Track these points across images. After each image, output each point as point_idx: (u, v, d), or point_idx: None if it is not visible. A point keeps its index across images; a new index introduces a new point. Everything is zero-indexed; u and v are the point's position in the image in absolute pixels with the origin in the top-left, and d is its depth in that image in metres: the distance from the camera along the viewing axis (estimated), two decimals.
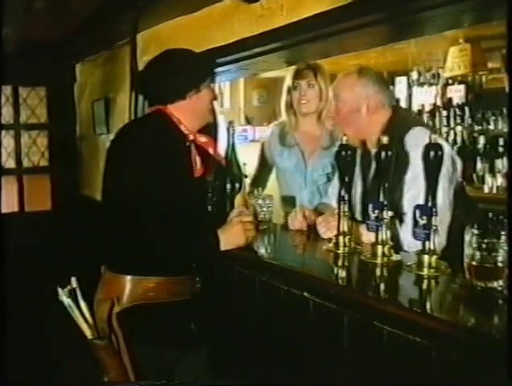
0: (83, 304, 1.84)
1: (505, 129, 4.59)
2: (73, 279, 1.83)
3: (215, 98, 2.05)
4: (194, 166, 1.95)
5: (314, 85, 2.73)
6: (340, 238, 1.86)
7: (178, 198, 1.86)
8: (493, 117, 4.70)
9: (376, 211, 1.73)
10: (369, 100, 2.04)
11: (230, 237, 1.90)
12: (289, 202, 2.84)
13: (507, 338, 1.07)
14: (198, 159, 1.96)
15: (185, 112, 1.96)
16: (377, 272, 1.69)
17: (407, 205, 1.86)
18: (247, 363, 1.92)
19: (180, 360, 1.92)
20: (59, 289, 1.81)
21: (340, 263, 1.84)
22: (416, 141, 1.84)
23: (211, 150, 2.02)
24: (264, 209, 2.28)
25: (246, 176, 2.39)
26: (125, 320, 1.84)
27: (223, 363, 2.04)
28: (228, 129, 2.30)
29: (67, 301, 1.82)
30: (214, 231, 1.90)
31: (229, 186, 2.22)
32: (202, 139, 2.00)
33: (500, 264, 1.36)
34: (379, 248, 1.72)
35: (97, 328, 1.85)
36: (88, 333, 1.84)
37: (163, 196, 1.80)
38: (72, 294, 1.83)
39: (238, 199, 2.23)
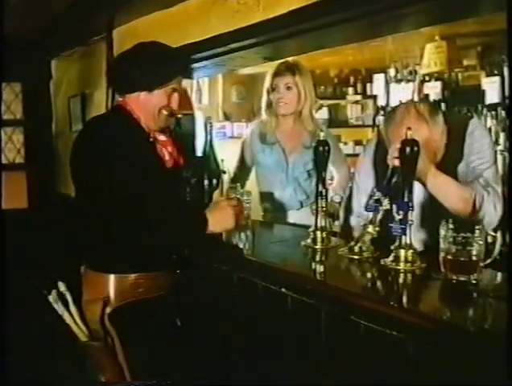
0: (73, 308, 1.82)
1: None
2: (61, 284, 1.82)
3: (166, 106, 1.93)
4: (163, 158, 1.93)
5: (292, 88, 2.73)
6: (318, 233, 1.87)
7: (154, 190, 1.83)
8: (468, 114, 4.75)
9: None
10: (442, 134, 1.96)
11: (219, 218, 1.86)
12: (268, 198, 2.84)
13: (507, 338, 1.07)
14: (165, 151, 1.94)
15: (141, 110, 1.92)
16: (355, 267, 1.70)
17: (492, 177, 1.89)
18: (225, 359, 1.92)
19: (171, 355, 1.91)
20: (50, 296, 1.80)
21: (317, 258, 1.85)
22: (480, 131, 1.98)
23: (169, 149, 1.97)
24: None
25: (225, 172, 2.38)
26: (117, 319, 1.84)
27: (202, 359, 2.03)
28: (205, 125, 2.29)
29: (57, 306, 1.80)
30: (203, 212, 1.86)
31: (206, 182, 2.21)
32: (161, 138, 1.97)
33: (474, 258, 1.38)
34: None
35: (90, 330, 1.83)
36: (81, 336, 1.83)
37: (137, 190, 1.77)
38: (60, 297, 1.81)
39: (216, 196, 2.23)
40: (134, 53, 1.95)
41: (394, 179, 1.72)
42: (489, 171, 1.91)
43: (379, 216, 1.73)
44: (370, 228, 1.72)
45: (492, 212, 1.83)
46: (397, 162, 1.66)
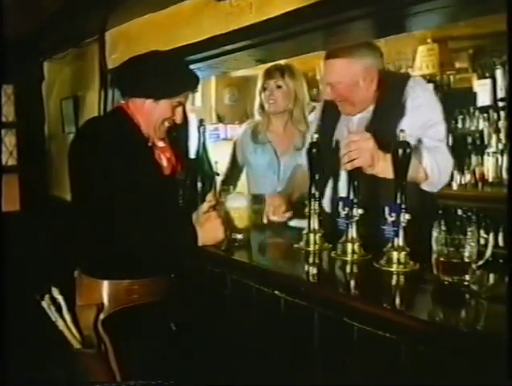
0: (66, 313, 1.81)
1: (473, 128, 4.66)
2: (54, 289, 1.80)
3: (169, 118, 1.93)
4: (161, 165, 1.92)
5: (281, 86, 2.80)
6: (311, 235, 1.88)
7: (150, 196, 1.82)
8: (460, 116, 4.77)
9: (346, 209, 1.74)
10: (365, 71, 2.07)
11: (209, 232, 1.87)
12: (258, 200, 2.84)
13: (507, 337, 1.07)
14: (164, 158, 1.93)
15: (143, 118, 1.90)
16: (347, 269, 1.70)
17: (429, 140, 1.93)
18: (219, 361, 1.91)
19: (165, 360, 1.90)
20: (43, 301, 1.78)
21: (310, 260, 1.85)
22: (423, 87, 2.10)
23: (167, 155, 1.96)
24: None
25: (218, 174, 2.38)
26: (110, 325, 1.82)
27: (196, 361, 2.03)
28: (198, 128, 2.29)
29: (50, 312, 1.79)
30: (192, 226, 1.87)
31: (199, 184, 2.21)
32: (160, 144, 1.95)
33: (466, 260, 1.39)
34: (349, 245, 1.73)
35: (83, 336, 1.82)
36: (74, 342, 1.81)
37: (133, 196, 1.76)
38: (53, 303, 1.80)
39: (209, 198, 2.22)
40: (147, 59, 1.92)
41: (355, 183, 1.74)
42: (437, 127, 1.99)
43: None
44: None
45: (435, 171, 1.89)
46: (349, 167, 1.72)
